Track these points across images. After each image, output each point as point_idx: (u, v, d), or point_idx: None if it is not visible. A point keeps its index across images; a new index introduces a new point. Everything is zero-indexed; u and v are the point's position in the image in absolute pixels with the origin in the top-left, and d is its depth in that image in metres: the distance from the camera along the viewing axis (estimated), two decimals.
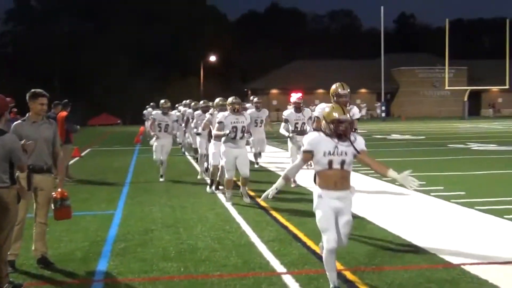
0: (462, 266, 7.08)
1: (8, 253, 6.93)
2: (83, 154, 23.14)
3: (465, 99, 61.69)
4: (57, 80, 75.09)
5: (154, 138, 15.58)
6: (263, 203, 11.31)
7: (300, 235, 8.81)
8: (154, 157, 15.76)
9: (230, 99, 11.87)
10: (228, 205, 11.45)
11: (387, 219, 9.88)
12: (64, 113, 15.57)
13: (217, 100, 13.63)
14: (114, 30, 77.83)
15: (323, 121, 6.11)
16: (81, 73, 72.56)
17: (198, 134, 15.60)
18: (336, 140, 6.00)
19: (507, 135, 33.12)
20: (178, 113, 20.84)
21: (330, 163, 5.97)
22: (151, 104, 30.42)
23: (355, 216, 10.04)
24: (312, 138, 6.10)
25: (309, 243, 8.31)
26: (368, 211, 10.56)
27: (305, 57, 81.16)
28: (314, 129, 9.53)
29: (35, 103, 7.41)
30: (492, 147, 24.17)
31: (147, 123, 29.94)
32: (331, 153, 5.97)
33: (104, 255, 7.89)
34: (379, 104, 63.38)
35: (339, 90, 8.90)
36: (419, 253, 7.74)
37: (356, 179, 13.26)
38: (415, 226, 9.37)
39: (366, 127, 43.59)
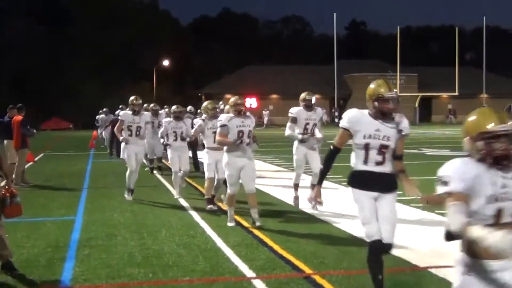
0: (429, 269, 7.17)
1: None
2: (36, 159, 22.69)
3: (416, 105, 62.74)
4: (5, 83, 73.51)
5: (123, 144, 12.88)
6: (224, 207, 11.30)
7: (266, 239, 8.80)
8: (128, 170, 12.86)
9: (233, 99, 10.13)
10: (191, 210, 11.37)
11: (351, 222, 9.93)
12: (19, 117, 15.27)
13: (205, 103, 11.90)
14: (66, 33, 76.74)
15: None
16: (31, 76, 71.23)
17: (167, 145, 13.32)
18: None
19: (459, 140, 33.70)
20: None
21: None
22: (104, 109, 29.30)
23: (322, 221, 10.16)
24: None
25: (276, 247, 8.30)
26: (332, 214, 10.63)
27: (258, 62, 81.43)
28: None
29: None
30: (445, 152, 24.59)
31: (99, 130, 29.51)
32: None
33: (69, 261, 7.75)
34: (335, 109, 63.92)
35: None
36: (385, 257, 7.80)
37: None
38: None
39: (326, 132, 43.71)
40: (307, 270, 7.18)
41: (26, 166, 15.92)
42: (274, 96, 67.12)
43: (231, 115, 9.83)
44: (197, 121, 12.44)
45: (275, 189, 14.13)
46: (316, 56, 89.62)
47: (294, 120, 11.20)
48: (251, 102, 65.28)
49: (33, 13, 78.93)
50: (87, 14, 79.09)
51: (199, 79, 79.38)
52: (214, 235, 9.24)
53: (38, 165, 21.00)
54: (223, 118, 9.83)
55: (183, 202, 12.23)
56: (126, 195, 12.88)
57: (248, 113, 10.02)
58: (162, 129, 13.43)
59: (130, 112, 13.10)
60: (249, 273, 7.13)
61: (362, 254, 7.83)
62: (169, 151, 13.41)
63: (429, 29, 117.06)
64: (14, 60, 73.78)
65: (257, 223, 9.66)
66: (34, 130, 16.09)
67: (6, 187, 7.38)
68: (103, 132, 26.27)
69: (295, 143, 11.36)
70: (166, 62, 72.97)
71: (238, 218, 10.42)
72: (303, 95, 11.41)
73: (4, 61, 74.06)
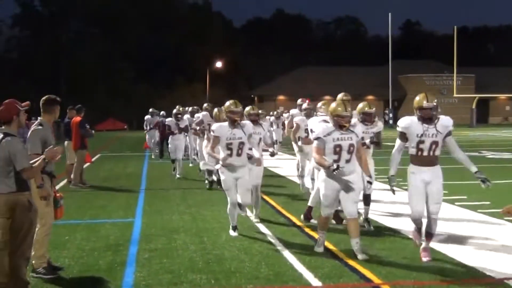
0: (506, 281, 6.79)
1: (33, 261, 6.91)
2: (93, 159, 22.86)
3: (473, 106, 61.35)
4: (62, 85, 74.84)
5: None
6: (287, 214, 11.08)
7: (330, 246, 8.51)
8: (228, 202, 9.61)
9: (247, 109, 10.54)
10: (249, 213, 11.15)
11: None
12: (78, 118, 15.35)
13: (246, 108, 10.66)
14: (120, 35, 77.68)
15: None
16: (86, 78, 72.31)
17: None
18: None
19: None
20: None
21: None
22: (150, 110, 26.88)
23: (387, 229, 9.81)
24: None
25: (341, 255, 8.01)
26: (397, 222, 10.29)
27: (311, 63, 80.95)
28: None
29: (55, 109, 7.55)
30: (506, 155, 23.86)
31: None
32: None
33: (129, 265, 7.62)
34: (389, 111, 62.85)
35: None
36: (458, 266, 7.45)
37: (381, 189, 12.99)
38: (446, 237, 9.06)
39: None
40: (376, 280, 6.88)
41: (83, 167, 15.94)
42: (327, 97, 66.43)
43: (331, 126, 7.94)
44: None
45: None
46: (370, 57, 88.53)
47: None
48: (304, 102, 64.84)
49: (87, 15, 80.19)
50: (140, 16, 79.90)
51: (252, 81, 79.42)
52: (276, 240, 9.01)
53: (95, 166, 21.12)
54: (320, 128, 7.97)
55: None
56: (231, 232, 9.54)
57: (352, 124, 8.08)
58: None
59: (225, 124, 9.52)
60: (314, 281, 6.87)
61: (432, 263, 7.53)
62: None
63: (485, 29, 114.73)
64: (69, 63, 75.07)
65: (360, 256, 7.74)
66: (93, 131, 16.14)
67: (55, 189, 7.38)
68: (146, 134, 25.95)
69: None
70: (219, 64, 73.10)
71: (299, 223, 10.18)
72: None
73: (60, 63, 75.47)
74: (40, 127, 7.24)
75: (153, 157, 24.44)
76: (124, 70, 74.49)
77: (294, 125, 12.17)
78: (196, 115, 16.75)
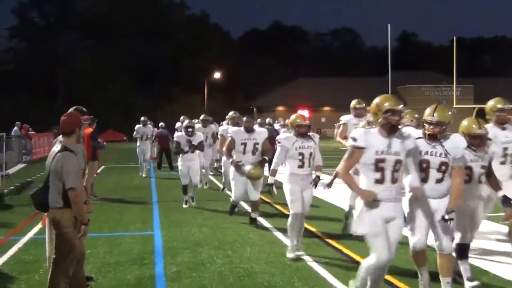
0: None
1: None
2: (98, 171, 22.65)
3: (473, 117, 61.22)
4: (59, 96, 74.68)
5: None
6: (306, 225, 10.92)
7: (357, 257, 8.34)
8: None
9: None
10: (268, 225, 11.00)
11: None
12: (90, 130, 15.12)
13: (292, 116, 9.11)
14: (117, 46, 77.61)
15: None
16: (83, 89, 72.17)
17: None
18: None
19: None
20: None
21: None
22: (142, 119, 23.08)
23: None
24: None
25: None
26: None
27: (309, 74, 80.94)
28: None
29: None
30: None
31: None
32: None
33: (159, 280, 7.46)
34: None
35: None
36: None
37: None
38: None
39: None
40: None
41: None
42: (327, 108, 66.53)
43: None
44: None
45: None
46: (367, 68, 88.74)
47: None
48: (303, 114, 64.74)
49: (84, 26, 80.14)
50: (137, 27, 79.86)
51: (250, 92, 79.40)
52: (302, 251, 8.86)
53: (101, 177, 20.93)
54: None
55: (259, 219, 11.78)
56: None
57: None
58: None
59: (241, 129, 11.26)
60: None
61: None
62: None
63: (482, 40, 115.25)
64: (66, 74, 74.97)
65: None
66: (104, 143, 15.97)
67: None
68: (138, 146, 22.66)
69: None
70: (217, 75, 73.05)
71: (320, 234, 10.04)
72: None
73: (57, 74, 75.34)
74: None
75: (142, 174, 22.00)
76: (121, 82, 74.35)
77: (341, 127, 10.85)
78: (222, 128, 15.64)
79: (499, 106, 8.03)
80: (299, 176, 8.64)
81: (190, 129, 13.67)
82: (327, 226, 10.73)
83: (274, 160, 8.87)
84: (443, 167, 6.26)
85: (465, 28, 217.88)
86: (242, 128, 11.17)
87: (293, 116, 8.88)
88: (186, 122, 14.19)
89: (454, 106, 61.19)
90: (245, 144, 10.95)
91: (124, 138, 60.40)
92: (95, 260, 8.40)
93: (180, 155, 13.58)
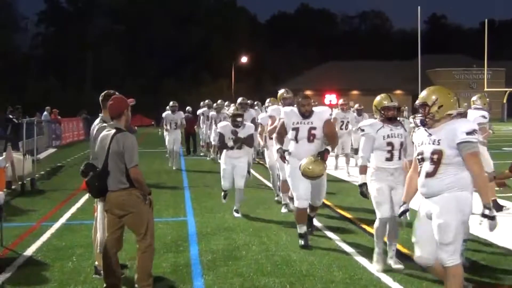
0: None
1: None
2: None
3: (504, 101, 60.38)
4: (89, 81, 75.02)
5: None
6: (342, 211, 10.69)
7: (399, 247, 8.09)
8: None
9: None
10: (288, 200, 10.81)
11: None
12: None
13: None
14: (145, 31, 77.67)
15: None
16: (112, 75, 72.37)
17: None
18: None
19: None
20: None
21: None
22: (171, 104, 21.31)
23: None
24: None
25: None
26: None
27: (337, 58, 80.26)
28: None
29: None
30: None
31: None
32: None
33: (194, 268, 7.29)
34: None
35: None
36: None
37: None
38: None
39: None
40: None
41: None
42: (355, 92, 65.89)
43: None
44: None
45: None
46: (396, 51, 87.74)
47: None
48: (331, 98, 64.22)
49: (112, 12, 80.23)
50: (165, 12, 79.82)
51: (277, 76, 78.94)
52: (338, 239, 8.64)
53: None
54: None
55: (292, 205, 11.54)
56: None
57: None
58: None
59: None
60: (395, 285, 6.49)
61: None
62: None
63: None
64: (96, 59, 75.20)
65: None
66: (136, 127, 15.84)
67: None
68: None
69: None
70: (244, 59, 72.72)
71: (356, 220, 9.79)
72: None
73: (86, 59, 75.62)
74: (104, 124, 6.93)
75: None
76: (149, 66, 74.47)
77: None
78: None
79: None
80: (387, 171, 7.08)
81: (239, 119, 10.60)
82: (366, 214, 10.42)
83: (360, 153, 7.24)
84: None
85: (495, 10, 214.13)
86: (295, 109, 8.52)
87: (378, 97, 7.28)
88: (231, 109, 10.97)
89: (485, 89, 60.42)
90: (296, 130, 8.38)
91: (152, 123, 60.53)
92: (129, 247, 8.19)
93: (224, 151, 10.84)
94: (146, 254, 5.98)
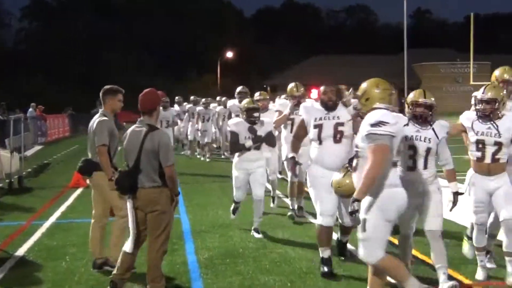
0: None
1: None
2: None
3: None
4: (74, 77, 74.46)
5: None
6: None
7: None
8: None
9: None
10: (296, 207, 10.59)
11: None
12: None
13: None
14: (131, 27, 77.27)
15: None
16: (97, 71, 71.92)
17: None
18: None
19: None
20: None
21: None
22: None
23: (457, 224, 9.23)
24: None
25: (414, 252, 7.47)
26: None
27: (323, 52, 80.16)
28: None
29: (114, 100, 7.03)
30: None
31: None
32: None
33: (191, 266, 7.13)
34: (404, 100, 62.36)
35: None
36: None
37: None
38: None
39: None
40: (464, 280, 6.35)
41: None
42: (342, 86, 65.72)
43: None
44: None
45: None
46: (382, 45, 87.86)
47: None
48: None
49: (97, 8, 79.75)
50: (150, 8, 79.46)
51: (264, 71, 78.81)
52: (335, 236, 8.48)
53: (118, 159, 20.56)
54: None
55: (287, 201, 11.30)
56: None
57: None
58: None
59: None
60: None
61: None
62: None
63: (497, 16, 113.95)
64: (80, 55, 74.69)
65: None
66: (124, 123, 15.64)
67: None
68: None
69: None
70: (230, 54, 72.48)
71: None
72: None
73: (70, 55, 75.06)
74: (105, 118, 6.81)
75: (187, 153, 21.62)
76: (135, 62, 74.11)
77: None
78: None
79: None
80: (409, 183, 5.75)
81: (256, 114, 8.65)
82: None
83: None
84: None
85: (479, 4, 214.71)
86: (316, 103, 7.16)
87: (411, 94, 6.17)
88: (245, 103, 8.83)
89: (471, 83, 60.63)
90: (319, 127, 6.83)
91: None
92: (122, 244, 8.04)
93: (236, 154, 8.86)
94: (158, 254, 5.83)
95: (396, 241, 6.40)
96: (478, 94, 6.34)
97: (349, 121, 6.74)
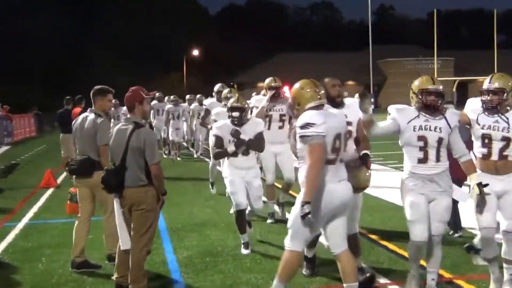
0: None
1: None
2: None
3: (454, 89, 61.46)
4: (37, 74, 73.46)
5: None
6: None
7: (374, 237, 8.04)
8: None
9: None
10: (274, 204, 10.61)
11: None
12: (78, 109, 14.61)
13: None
14: (92, 24, 76.52)
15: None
16: (62, 68, 71.12)
17: None
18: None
19: None
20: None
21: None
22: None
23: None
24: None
25: (391, 247, 7.55)
26: None
27: (289, 49, 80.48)
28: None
29: (104, 100, 7.03)
30: None
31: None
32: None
33: (172, 266, 7.08)
34: (371, 96, 62.93)
35: None
36: None
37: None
38: None
39: None
40: (445, 274, 6.41)
41: None
42: None
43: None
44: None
45: None
46: (347, 42, 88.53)
47: None
48: (284, 90, 64.32)
49: (58, 4, 78.73)
50: (114, 5, 78.79)
51: (231, 68, 78.79)
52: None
53: None
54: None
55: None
56: None
57: None
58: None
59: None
60: (379, 278, 6.38)
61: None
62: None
63: (459, 12, 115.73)
64: (44, 52, 73.63)
65: None
66: None
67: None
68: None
69: None
70: (195, 52, 72.34)
71: None
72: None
73: (34, 52, 73.97)
74: (103, 118, 6.93)
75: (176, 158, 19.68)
76: (99, 61, 73.35)
77: None
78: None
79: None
80: (421, 177, 5.56)
81: (236, 114, 7.60)
82: None
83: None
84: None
85: (441, 1, 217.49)
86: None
87: (417, 80, 5.76)
88: (232, 101, 7.78)
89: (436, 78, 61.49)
90: None
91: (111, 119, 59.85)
92: (99, 246, 7.93)
93: (225, 159, 7.86)
94: (142, 253, 5.77)
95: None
96: (484, 84, 5.88)
97: (355, 123, 6.18)
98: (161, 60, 77.26)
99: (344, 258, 5.41)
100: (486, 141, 5.70)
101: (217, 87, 13.63)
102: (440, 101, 5.55)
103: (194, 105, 18.81)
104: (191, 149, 21.47)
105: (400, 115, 5.61)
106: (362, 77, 67.61)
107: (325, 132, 5.07)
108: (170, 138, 19.40)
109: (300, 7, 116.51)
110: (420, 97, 5.56)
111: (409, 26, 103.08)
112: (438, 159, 5.53)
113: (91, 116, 6.95)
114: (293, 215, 5.22)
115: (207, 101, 14.24)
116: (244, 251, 7.50)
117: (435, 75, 59.42)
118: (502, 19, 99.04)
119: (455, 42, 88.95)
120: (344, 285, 5.41)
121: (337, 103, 6.07)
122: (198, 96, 19.67)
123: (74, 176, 7.07)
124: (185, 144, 21.51)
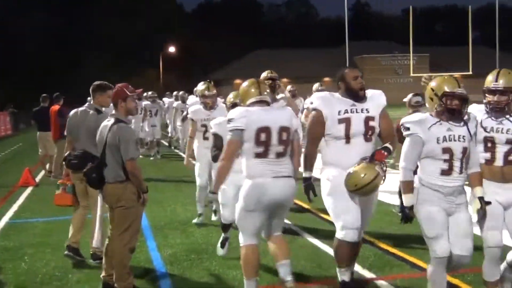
0: None
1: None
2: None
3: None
4: (24, 76, 72.61)
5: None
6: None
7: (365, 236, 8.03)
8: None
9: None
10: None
11: None
12: (57, 107, 14.48)
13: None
14: (71, 23, 75.88)
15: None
16: (39, 67, 70.42)
17: None
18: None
19: None
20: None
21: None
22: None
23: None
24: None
25: (381, 244, 7.57)
26: None
27: (265, 46, 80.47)
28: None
29: (104, 96, 7.03)
30: None
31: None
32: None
33: (157, 264, 7.04)
34: None
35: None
36: None
37: None
38: None
39: None
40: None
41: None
42: (284, 80, 66.09)
43: None
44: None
45: None
46: (322, 38, 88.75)
47: None
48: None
49: (42, 4, 77.97)
50: (90, 2, 78.23)
51: (207, 65, 78.58)
52: (300, 230, 8.52)
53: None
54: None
55: None
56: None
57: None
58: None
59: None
60: (365, 273, 6.41)
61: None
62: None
63: (433, 9, 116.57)
64: (31, 53, 72.84)
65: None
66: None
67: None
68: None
69: None
70: (172, 49, 71.99)
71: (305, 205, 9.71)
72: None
73: (23, 54, 73.20)
74: (84, 108, 7.16)
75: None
76: (76, 58, 72.79)
77: None
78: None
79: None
80: (443, 190, 5.03)
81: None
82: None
83: (402, 163, 5.07)
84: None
85: None
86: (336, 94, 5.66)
87: (434, 81, 5.06)
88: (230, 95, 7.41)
89: (411, 74, 61.85)
90: (347, 122, 5.41)
91: None
92: (84, 246, 7.87)
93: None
94: (124, 251, 5.73)
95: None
96: (488, 82, 5.16)
97: (378, 117, 5.51)
98: (137, 58, 76.84)
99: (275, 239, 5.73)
100: (489, 144, 5.16)
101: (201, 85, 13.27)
102: (464, 106, 4.99)
103: (177, 103, 18.73)
104: (172, 147, 21.35)
105: (421, 129, 4.98)
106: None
107: (244, 126, 5.25)
108: (148, 138, 19.01)
109: (276, 4, 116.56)
110: (443, 100, 4.93)
111: (385, 22, 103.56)
112: (461, 171, 5.03)
113: (92, 111, 7.00)
114: (238, 214, 5.49)
115: (191, 98, 14.12)
116: (220, 252, 7.23)
117: (411, 71, 60.02)
118: (476, 16, 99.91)
119: (430, 38, 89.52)
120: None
121: (360, 96, 5.47)
122: (181, 93, 19.54)
123: (71, 171, 7.00)
124: (165, 143, 21.35)
